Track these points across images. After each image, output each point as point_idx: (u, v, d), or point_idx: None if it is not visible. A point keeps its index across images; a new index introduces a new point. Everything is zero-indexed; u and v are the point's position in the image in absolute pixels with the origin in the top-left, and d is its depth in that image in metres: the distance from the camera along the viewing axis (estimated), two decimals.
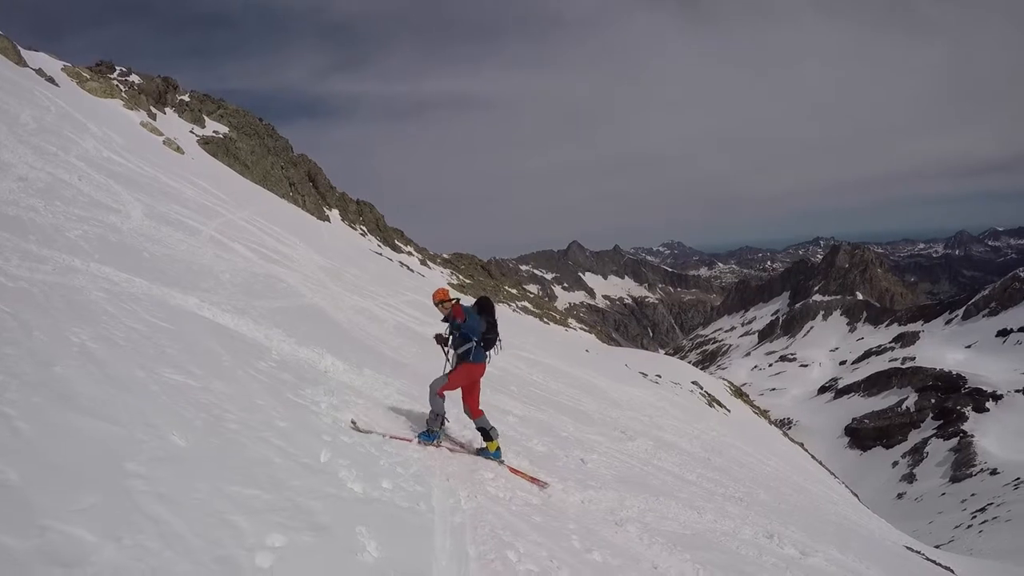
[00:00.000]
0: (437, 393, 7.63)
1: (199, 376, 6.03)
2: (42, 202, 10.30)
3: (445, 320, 7.87)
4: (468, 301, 8.48)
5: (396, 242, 57.26)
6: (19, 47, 29.69)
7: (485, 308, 8.15)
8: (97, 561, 2.92)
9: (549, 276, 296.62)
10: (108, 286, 7.61)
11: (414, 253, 58.09)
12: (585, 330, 70.88)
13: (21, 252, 7.36)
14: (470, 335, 7.75)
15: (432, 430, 7.69)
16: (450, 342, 7.87)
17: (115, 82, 37.13)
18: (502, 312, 48.20)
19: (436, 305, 7.94)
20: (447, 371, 7.86)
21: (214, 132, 41.96)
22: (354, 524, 4.63)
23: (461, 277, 59.11)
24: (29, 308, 5.68)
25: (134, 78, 40.48)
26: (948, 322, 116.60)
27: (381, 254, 45.18)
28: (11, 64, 27.05)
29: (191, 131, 39.44)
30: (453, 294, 8.15)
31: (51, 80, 28.62)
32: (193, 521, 3.61)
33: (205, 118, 43.55)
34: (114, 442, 4.03)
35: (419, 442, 7.47)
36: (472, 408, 7.89)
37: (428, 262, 58.19)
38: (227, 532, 3.71)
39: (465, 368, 7.78)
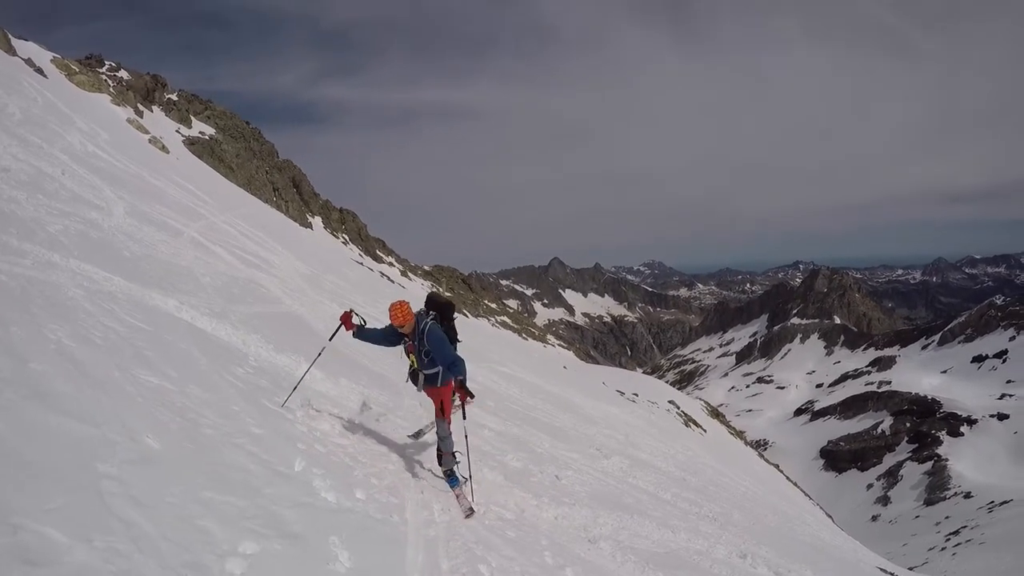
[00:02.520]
0: (447, 429, 7.15)
1: (175, 379, 5.99)
2: (24, 194, 10.21)
3: (404, 336, 6.85)
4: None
5: (378, 252, 57.08)
6: (9, 35, 29.39)
7: (445, 314, 7.24)
8: (68, 562, 2.90)
9: (529, 292, 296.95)
10: (87, 284, 7.55)
11: (395, 264, 57.98)
12: (564, 347, 70.99)
13: (0, 245, 7.29)
14: (439, 361, 6.78)
15: (452, 470, 7.23)
16: (415, 363, 6.93)
17: (104, 76, 36.87)
18: (480, 327, 48.21)
19: (398, 328, 6.71)
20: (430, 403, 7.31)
21: (200, 133, 41.65)
22: (327, 534, 4.63)
23: (441, 290, 58.90)
24: (6, 302, 5.63)
25: (123, 74, 40.26)
26: (924, 347, 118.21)
27: (362, 263, 45.04)
28: (0, 52, 26.81)
29: (177, 131, 39.09)
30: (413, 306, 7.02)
31: (39, 71, 28.21)
32: (165, 525, 3.59)
33: (192, 118, 43.23)
34: (88, 442, 4.00)
35: (454, 490, 7.02)
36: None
37: (409, 273, 58.05)
38: (199, 537, 3.69)
39: (447, 391, 7.10)
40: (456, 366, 6.76)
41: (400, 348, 7.09)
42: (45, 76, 28.36)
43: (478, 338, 32.39)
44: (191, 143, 38.14)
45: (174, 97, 44.13)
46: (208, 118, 45.40)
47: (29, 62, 28.37)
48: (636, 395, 35.46)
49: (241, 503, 4.37)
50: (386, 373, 11.90)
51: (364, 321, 7.23)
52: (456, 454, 7.30)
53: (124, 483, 3.74)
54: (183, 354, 6.97)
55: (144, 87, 40.47)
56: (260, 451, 5.43)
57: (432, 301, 7.21)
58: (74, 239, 9.38)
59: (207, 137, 41.37)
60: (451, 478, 7.22)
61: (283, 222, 36.88)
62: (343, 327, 7.13)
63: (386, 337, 7.00)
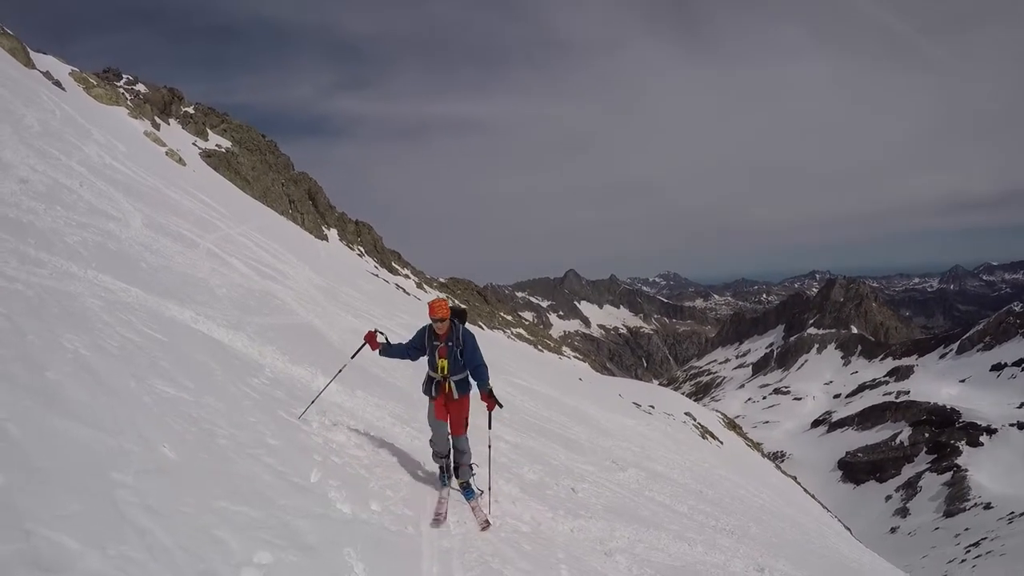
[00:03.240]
0: (467, 443, 7.12)
1: (191, 390, 6.01)
2: (43, 206, 10.30)
3: (435, 341, 6.82)
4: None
5: (393, 264, 57.43)
6: (28, 49, 29.78)
7: (462, 319, 7.11)
8: (80, 569, 2.90)
9: (544, 304, 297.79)
10: (104, 294, 7.59)
11: (411, 276, 58.34)
12: (579, 359, 70.92)
13: (19, 255, 7.35)
14: (473, 361, 6.84)
15: (468, 482, 7.19)
16: (447, 368, 6.78)
17: (121, 90, 37.34)
18: (496, 339, 48.21)
19: (436, 322, 6.69)
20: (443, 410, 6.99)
21: (217, 146, 42.05)
22: (342, 545, 4.62)
23: (457, 302, 58.82)
24: (24, 311, 5.67)
25: (140, 87, 40.77)
26: (943, 356, 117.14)
27: (378, 275, 45.23)
28: (19, 65, 27.06)
29: (194, 143, 39.48)
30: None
31: (58, 84, 28.64)
32: (179, 534, 3.59)
33: (208, 131, 43.66)
34: (103, 451, 4.01)
35: (470, 502, 6.97)
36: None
37: (424, 285, 58.31)
38: (213, 547, 3.69)
39: (468, 402, 7.03)
40: (483, 370, 6.86)
41: (417, 362, 7.17)
42: (63, 89, 28.82)
43: (493, 350, 32.42)
44: (208, 156, 38.50)
45: (191, 110, 44.62)
46: (224, 131, 45.85)
47: (47, 75, 28.82)
48: (652, 407, 35.37)
49: (256, 514, 4.37)
50: (401, 385, 11.89)
51: (387, 339, 7.16)
52: (473, 466, 7.24)
53: (139, 492, 3.75)
54: (199, 365, 6.99)
55: (161, 100, 40.91)
56: (276, 462, 5.43)
57: (435, 309, 6.85)
58: (92, 250, 9.45)
59: (223, 150, 41.74)
60: (467, 490, 7.13)
61: (298, 234, 37.16)
62: (367, 346, 7.07)
63: (410, 351, 6.99)
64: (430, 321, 6.75)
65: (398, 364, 8.17)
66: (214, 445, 5.12)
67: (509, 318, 70.88)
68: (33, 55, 30.05)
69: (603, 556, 7.40)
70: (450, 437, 7.09)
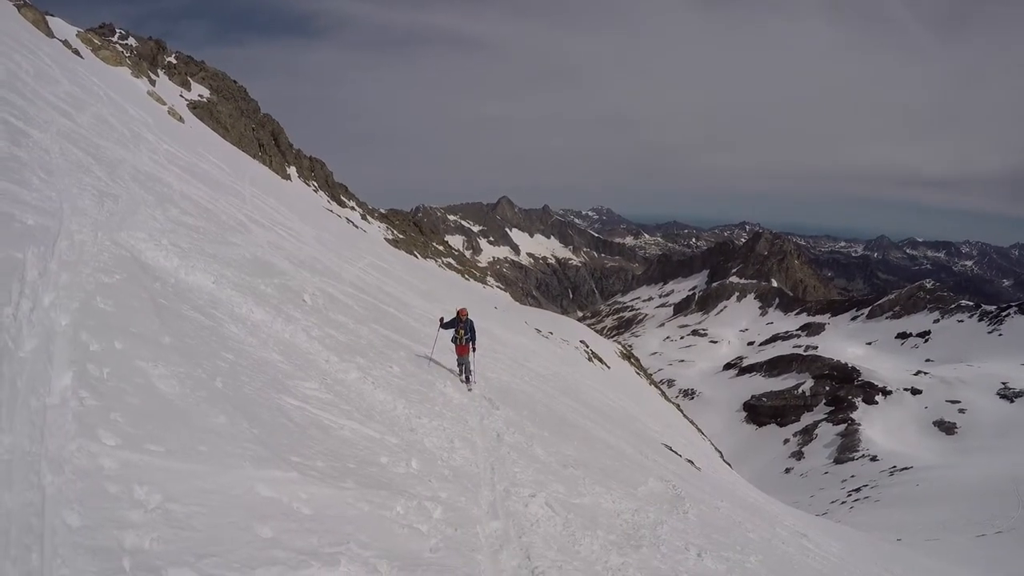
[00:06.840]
0: (470, 361, 14.55)
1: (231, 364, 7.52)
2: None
3: (449, 325, 14.38)
4: (419, 276, 13.82)
5: (341, 197, 62.09)
6: (45, 17, 31.89)
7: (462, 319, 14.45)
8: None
9: (476, 228, 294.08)
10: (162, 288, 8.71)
11: (356, 208, 62.61)
12: (501, 288, 76.36)
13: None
14: (471, 336, 14.37)
15: (469, 378, 14.68)
16: (462, 337, 14.18)
17: (118, 46, 41.15)
18: (428, 267, 53.27)
19: (463, 321, 14.23)
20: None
21: (199, 96, 46.47)
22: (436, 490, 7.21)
23: (395, 232, 63.70)
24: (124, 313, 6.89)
25: (131, 41, 44.76)
26: (854, 318, 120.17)
27: (332, 211, 49.50)
28: (43, 36, 29.04)
29: (180, 95, 43.77)
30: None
31: (76, 52, 31.44)
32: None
33: (190, 80, 48.04)
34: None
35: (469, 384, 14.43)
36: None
37: (368, 216, 63.18)
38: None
39: (469, 346, 14.45)
40: (474, 337, 14.57)
41: (449, 332, 14.66)
42: (81, 57, 32.17)
43: (426, 278, 36.90)
44: (193, 107, 42.98)
45: (173, 60, 48.84)
46: (202, 79, 50.34)
47: (66, 43, 31.74)
48: (551, 333, 41.74)
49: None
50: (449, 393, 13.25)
51: (444, 318, 14.93)
52: (473, 375, 14.69)
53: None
54: (268, 362, 8.52)
55: (149, 53, 44.96)
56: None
57: (460, 313, 14.53)
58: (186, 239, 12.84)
59: (205, 100, 46.26)
60: (468, 380, 14.48)
61: (281, 186, 40.28)
62: (440, 322, 14.79)
63: (447, 327, 14.54)
64: (456, 315, 14.43)
65: (436, 377, 13.27)
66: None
67: (440, 248, 76.33)
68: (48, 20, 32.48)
69: (496, 437, 11.01)
70: (462, 360, 14.46)
